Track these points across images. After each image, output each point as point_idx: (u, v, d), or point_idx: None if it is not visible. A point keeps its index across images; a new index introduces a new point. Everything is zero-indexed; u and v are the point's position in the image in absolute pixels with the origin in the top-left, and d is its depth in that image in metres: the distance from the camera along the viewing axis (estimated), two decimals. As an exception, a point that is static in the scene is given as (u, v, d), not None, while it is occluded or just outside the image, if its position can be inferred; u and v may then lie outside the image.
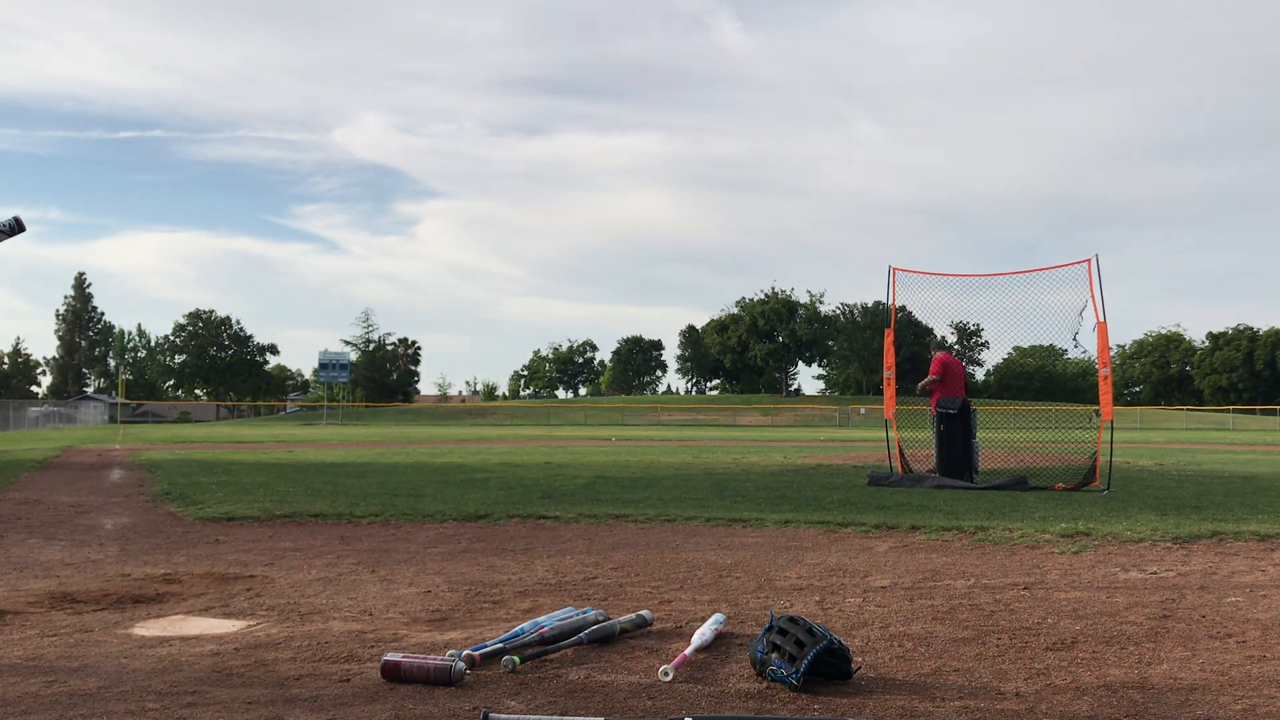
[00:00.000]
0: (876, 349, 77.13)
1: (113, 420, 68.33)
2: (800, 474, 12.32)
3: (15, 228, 4.04)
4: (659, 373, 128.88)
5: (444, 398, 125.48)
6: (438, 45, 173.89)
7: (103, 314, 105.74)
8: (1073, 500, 8.79)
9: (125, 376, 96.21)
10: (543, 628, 3.45)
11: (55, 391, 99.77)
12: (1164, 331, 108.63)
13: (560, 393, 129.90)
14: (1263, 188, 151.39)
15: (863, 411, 69.05)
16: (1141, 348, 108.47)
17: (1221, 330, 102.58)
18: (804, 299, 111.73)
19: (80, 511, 7.90)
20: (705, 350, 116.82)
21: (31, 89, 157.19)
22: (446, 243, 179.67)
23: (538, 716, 2.65)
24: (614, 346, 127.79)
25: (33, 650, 3.40)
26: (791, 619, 3.11)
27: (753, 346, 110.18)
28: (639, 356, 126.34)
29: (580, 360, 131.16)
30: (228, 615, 3.99)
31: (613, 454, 17.97)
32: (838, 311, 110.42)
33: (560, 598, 4.35)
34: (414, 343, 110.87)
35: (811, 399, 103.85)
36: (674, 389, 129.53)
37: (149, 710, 2.71)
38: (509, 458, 16.19)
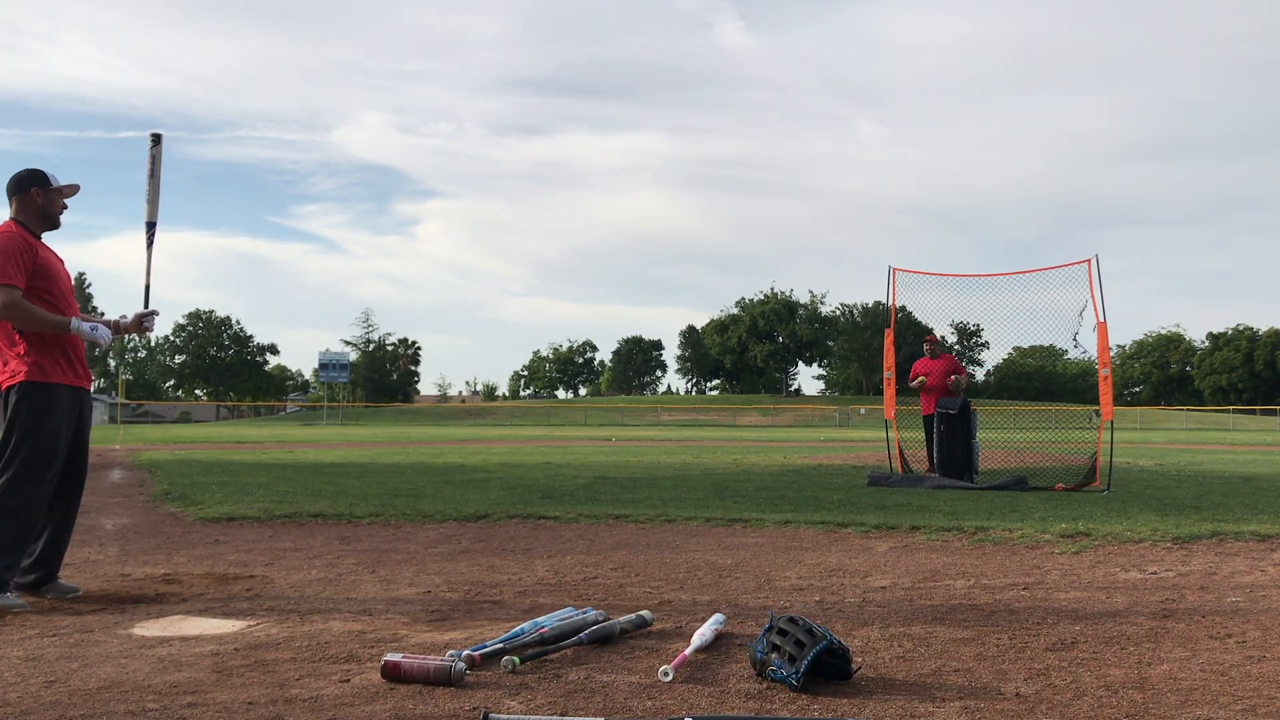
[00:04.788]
0: (876, 349, 77.10)
1: (113, 420, 68.32)
2: (800, 474, 12.32)
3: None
4: (659, 373, 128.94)
5: (444, 398, 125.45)
6: (438, 45, 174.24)
7: (103, 314, 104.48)
8: (1073, 500, 8.79)
9: (125, 376, 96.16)
10: (543, 628, 3.45)
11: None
12: (1164, 331, 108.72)
13: (560, 393, 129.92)
14: (1263, 188, 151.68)
15: (863, 412, 69.04)
16: (1141, 348, 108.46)
17: (1221, 330, 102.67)
18: (804, 299, 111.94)
19: (80, 511, 7.87)
20: (705, 350, 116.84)
21: (31, 89, 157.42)
22: (446, 243, 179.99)
23: (538, 717, 2.65)
24: (614, 346, 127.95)
25: (33, 650, 3.40)
26: (791, 619, 3.11)
27: (753, 347, 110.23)
28: (639, 356, 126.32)
29: (580, 360, 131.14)
30: (228, 615, 3.99)
31: (613, 454, 17.97)
32: (838, 312, 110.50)
33: (560, 598, 4.35)
34: (414, 343, 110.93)
35: (811, 399, 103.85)
36: (674, 389, 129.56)
37: (149, 710, 2.71)
38: (509, 458, 16.19)
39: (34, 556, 4.35)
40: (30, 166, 4.40)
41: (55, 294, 4.29)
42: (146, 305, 4.63)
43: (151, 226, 4.68)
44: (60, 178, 4.40)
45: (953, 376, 11.71)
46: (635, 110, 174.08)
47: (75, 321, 4.19)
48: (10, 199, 4.34)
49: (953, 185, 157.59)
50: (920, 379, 11.98)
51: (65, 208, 4.47)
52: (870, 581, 4.80)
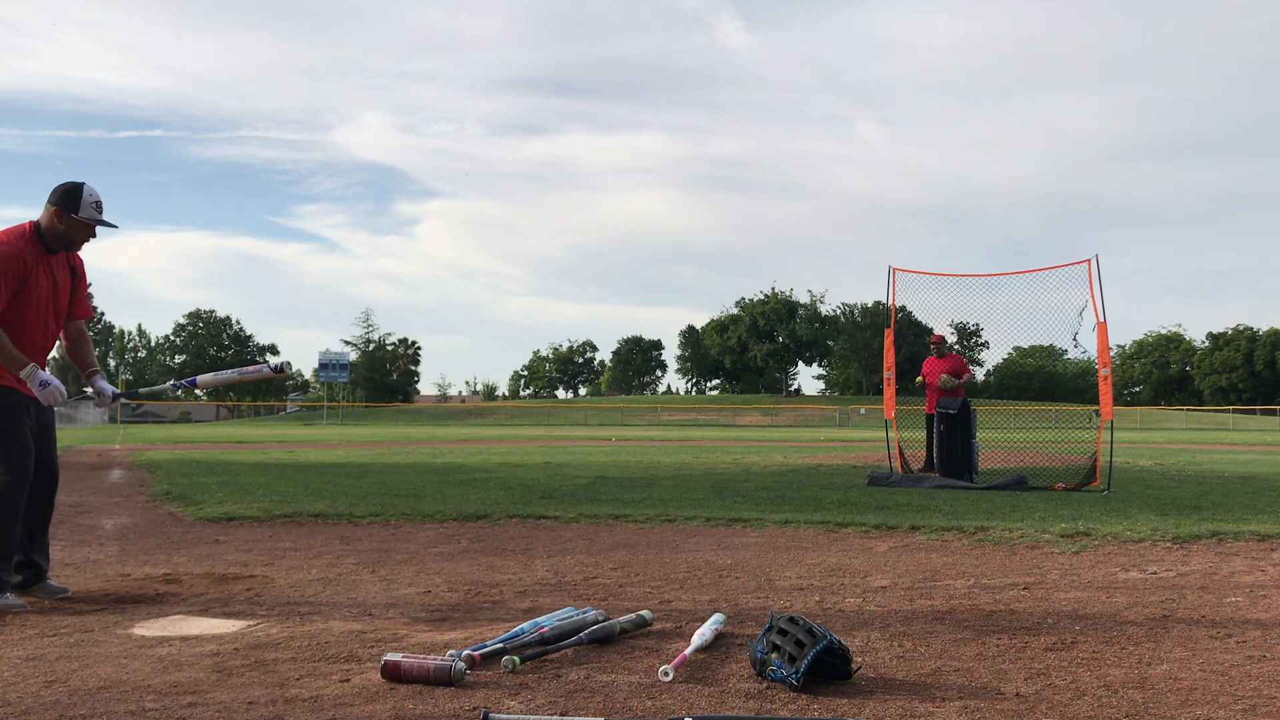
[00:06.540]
0: (876, 349, 77.10)
1: (113, 420, 68.30)
2: (800, 474, 12.32)
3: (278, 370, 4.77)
4: (659, 373, 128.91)
5: (444, 398, 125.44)
6: (438, 45, 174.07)
7: (103, 314, 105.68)
8: (1073, 500, 8.79)
9: (125, 376, 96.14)
10: (543, 628, 3.45)
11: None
12: (1164, 331, 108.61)
13: (560, 393, 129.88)
14: (1263, 188, 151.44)
15: (863, 411, 69.01)
16: (1141, 348, 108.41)
17: (1221, 330, 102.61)
18: (804, 299, 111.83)
19: (80, 511, 7.89)
20: (705, 350, 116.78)
21: (31, 89, 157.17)
22: (446, 243, 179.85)
23: (538, 717, 2.65)
24: (614, 346, 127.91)
25: (33, 650, 3.40)
26: (791, 619, 3.11)
27: (753, 347, 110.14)
28: (639, 356, 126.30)
29: (580, 360, 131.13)
30: (228, 615, 3.99)
31: (613, 454, 17.97)
32: (838, 312, 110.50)
33: (560, 598, 4.35)
34: (414, 343, 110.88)
35: (811, 399, 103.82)
36: (674, 389, 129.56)
37: (149, 710, 2.71)
38: (509, 458, 16.19)
39: (21, 558, 4.37)
40: (78, 182, 4.28)
41: (26, 319, 4.25)
42: (123, 395, 4.69)
43: (192, 384, 4.83)
44: (100, 208, 4.30)
45: (942, 374, 11.78)
46: (635, 110, 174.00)
47: (30, 368, 4.17)
48: (47, 203, 4.30)
49: (953, 185, 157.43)
50: (920, 379, 12.10)
51: (91, 237, 4.39)
52: (870, 581, 4.80)
